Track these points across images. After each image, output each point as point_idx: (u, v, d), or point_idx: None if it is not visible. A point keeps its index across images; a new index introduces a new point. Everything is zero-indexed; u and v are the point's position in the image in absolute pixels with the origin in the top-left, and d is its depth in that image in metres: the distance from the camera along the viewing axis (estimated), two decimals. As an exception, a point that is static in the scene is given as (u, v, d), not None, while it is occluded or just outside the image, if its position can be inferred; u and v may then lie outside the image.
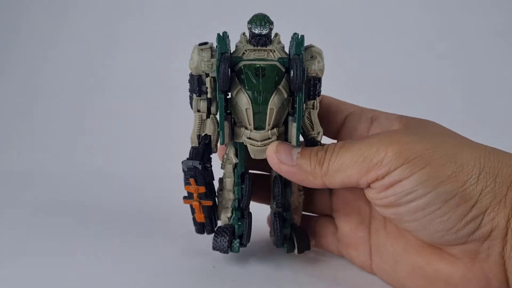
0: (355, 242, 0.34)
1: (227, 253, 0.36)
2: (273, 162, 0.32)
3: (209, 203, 0.35)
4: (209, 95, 0.34)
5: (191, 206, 0.36)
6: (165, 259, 0.38)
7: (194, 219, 0.37)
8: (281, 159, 0.31)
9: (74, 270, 0.37)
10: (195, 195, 0.35)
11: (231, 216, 0.36)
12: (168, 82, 0.58)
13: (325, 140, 0.36)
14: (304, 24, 0.46)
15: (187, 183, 0.34)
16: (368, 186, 0.28)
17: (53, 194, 0.54)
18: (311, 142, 0.34)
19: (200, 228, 0.38)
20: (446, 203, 0.26)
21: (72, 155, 0.66)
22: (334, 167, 0.29)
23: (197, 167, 0.33)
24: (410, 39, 0.75)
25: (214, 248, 0.36)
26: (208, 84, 0.33)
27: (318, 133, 0.34)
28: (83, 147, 0.68)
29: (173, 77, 0.43)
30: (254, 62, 0.32)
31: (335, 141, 0.36)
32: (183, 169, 0.34)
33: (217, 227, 0.37)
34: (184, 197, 0.35)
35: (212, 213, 0.37)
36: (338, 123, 0.36)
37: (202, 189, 0.34)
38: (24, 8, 0.80)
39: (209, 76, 0.33)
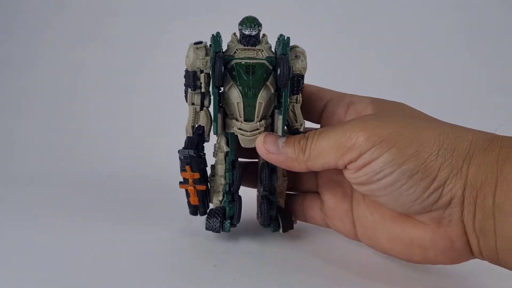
0: (340, 214, 0.38)
1: (219, 232, 0.39)
2: (262, 151, 0.36)
3: (203, 187, 0.39)
4: (203, 90, 0.37)
5: (186, 190, 0.39)
6: (163, 239, 0.41)
7: (188, 202, 0.40)
8: (268, 149, 0.35)
9: (70, 254, 0.38)
10: (190, 180, 0.38)
11: (222, 199, 0.40)
12: (165, 77, 0.60)
13: (309, 124, 0.40)
14: (289, 24, 0.49)
15: (183, 169, 0.38)
16: (345, 167, 0.32)
17: (52, 181, 0.56)
18: (294, 133, 0.38)
19: (194, 210, 0.41)
20: (410, 178, 0.29)
21: (69, 139, 0.67)
22: (314, 153, 0.33)
23: (192, 155, 0.37)
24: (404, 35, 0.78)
25: (207, 228, 0.40)
26: (202, 80, 0.37)
27: (301, 125, 0.38)
28: (83, 135, 0.69)
29: (170, 72, 0.45)
30: (245, 61, 0.35)
31: (318, 125, 0.40)
32: (179, 157, 0.37)
33: (209, 209, 0.41)
34: (180, 183, 0.39)
35: (205, 196, 0.40)
36: (319, 109, 0.40)
37: (197, 175, 0.38)
38: (24, 7, 0.80)
39: (203, 72, 0.37)
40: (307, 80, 0.39)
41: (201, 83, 0.37)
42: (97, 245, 0.40)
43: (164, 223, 0.44)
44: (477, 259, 0.31)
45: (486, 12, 0.77)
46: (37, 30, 0.80)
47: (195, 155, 0.37)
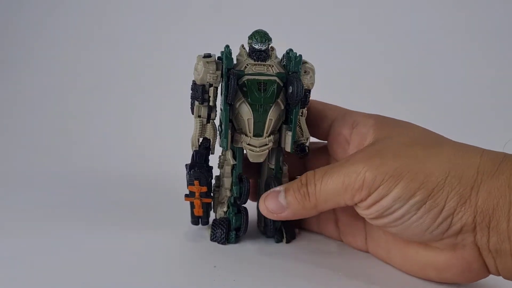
0: (353, 231, 0.39)
1: (225, 244, 0.40)
2: (270, 216, 0.36)
3: (209, 200, 0.39)
4: (211, 103, 0.37)
5: (191, 202, 0.39)
6: (163, 240, 0.41)
7: (192, 213, 0.40)
8: (273, 211, 0.36)
9: (70, 253, 0.38)
10: (197, 194, 0.38)
11: (227, 210, 0.40)
12: (168, 87, 0.59)
13: (315, 140, 0.41)
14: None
15: (190, 183, 0.38)
16: (355, 204, 0.33)
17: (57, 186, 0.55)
18: (300, 147, 0.38)
19: (196, 220, 0.41)
20: (418, 210, 0.30)
21: (80, 151, 0.67)
22: (321, 198, 0.33)
23: (202, 170, 0.36)
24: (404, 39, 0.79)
25: (212, 239, 0.40)
26: (211, 94, 0.36)
27: (307, 139, 0.39)
28: (90, 145, 0.68)
29: (173, 81, 0.44)
30: (256, 77, 0.35)
31: (325, 142, 0.41)
32: (187, 172, 0.37)
33: (213, 220, 0.41)
34: (186, 195, 0.39)
35: (209, 207, 0.41)
36: (326, 128, 0.40)
37: (204, 189, 0.38)
38: (25, 7, 0.77)
39: (212, 86, 0.36)
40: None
41: (209, 96, 0.37)
42: (96, 245, 0.40)
43: (164, 224, 0.44)
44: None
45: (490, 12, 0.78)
46: (36, 31, 0.79)
47: (204, 170, 0.36)
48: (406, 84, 0.77)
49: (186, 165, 0.37)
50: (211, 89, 0.36)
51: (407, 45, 0.78)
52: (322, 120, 0.40)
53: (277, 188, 0.36)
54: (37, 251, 0.38)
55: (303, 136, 0.39)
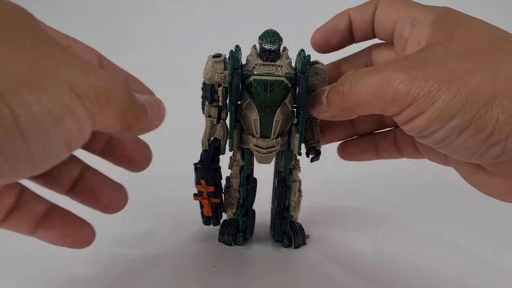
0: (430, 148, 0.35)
1: (232, 245, 0.40)
2: (316, 115, 0.33)
3: (217, 200, 0.39)
4: (220, 103, 0.37)
5: (200, 202, 0.39)
6: (162, 240, 0.41)
7: (202, 213, 0.40)
8: (317, 110, 0.33)
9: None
10: (204, 193, 0.38)
11: (236, 212, 0.40)
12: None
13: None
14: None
15: (198, 182, 0.38)
16: (393, 116, 0.28)
17: None
18: (310, 151, 0.37)
19: (207, 220, 0.41)
20: (461, 134, 0.26)
21: None
22: (354, 101, 0.29)
23: (208, 169, 0.36)
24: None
25: (220, 241, 0.40)
26: (220, 93, 0.36)
27: (318, 142, 0.38)
28: None
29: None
30: (263, 77, 0.34)
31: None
32: (195, 171, 0.37)
33: (223, 220, 0.41)
34: (195, 195, 0.39)
35: (218, 208, 0.40)
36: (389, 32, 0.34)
37: (211, 189, 0.38)
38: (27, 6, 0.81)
39: (221, 86, 0.36)
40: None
41: (218, 96, 0.37)
42: (96, 245, 0.40)
43: (164, 224, 0.44)
44: None
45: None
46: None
47: (210, 170, 0.36)
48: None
49: (194, 164, 0.38)
50: (220, 89, 0.36)
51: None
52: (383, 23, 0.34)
53: (327, 86, 0.33)
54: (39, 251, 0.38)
55: (314, 139, 0.38)
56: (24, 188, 0.27)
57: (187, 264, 0.38)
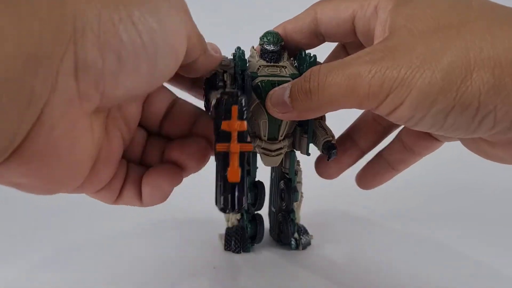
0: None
1: (240, 253, 0.38)
2: (277, 116, 0.31)
3: (249, 147, 0.25)
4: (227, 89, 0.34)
5: (220, 159, 0.25)
6: (163, 240, 0.41)
7: (221, 185, 0.24)
8: (279, 110, 0.30)
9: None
10: (234, 134, 0.25)
11: (241, 218, 0.39)
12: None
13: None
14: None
15: (227, 116, 0.25)
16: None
17: None
18: (328, 146, 0.34)
19: (228, 199, 0.24)
20: (448, 116, 0.24)
21: None
22: (325, 99, 0.27)
23: (239, 93, 0.26)
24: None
25: (226, 249, 0.39)
26: (227, 79, 0.33)
27: (333, 137, 0.35)
28: None
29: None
30: (270, 79, 0.34)
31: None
32: (221, 98, 0.25)
33: (226, 228, 0.40)
34: (217, 141, 0.25)
35: (245, 177, 0.25)
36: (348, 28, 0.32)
37: (244, 126, 0.25)
38: None
39: (227, 72, 0.34)
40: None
41: (225, 81, 0.35)
42: (96, 244, 0.40)
43: (164, 224, 0.44)
44: None
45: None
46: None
47: (242, 95, 0.25)
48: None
49: (220, 92, 0.26)
50: (226, 75, 0.34)
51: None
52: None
53: (286, 84, 0.30)
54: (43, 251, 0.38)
55: (327, 134, 0.36)
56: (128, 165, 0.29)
57: (188, 264, 0.37)
